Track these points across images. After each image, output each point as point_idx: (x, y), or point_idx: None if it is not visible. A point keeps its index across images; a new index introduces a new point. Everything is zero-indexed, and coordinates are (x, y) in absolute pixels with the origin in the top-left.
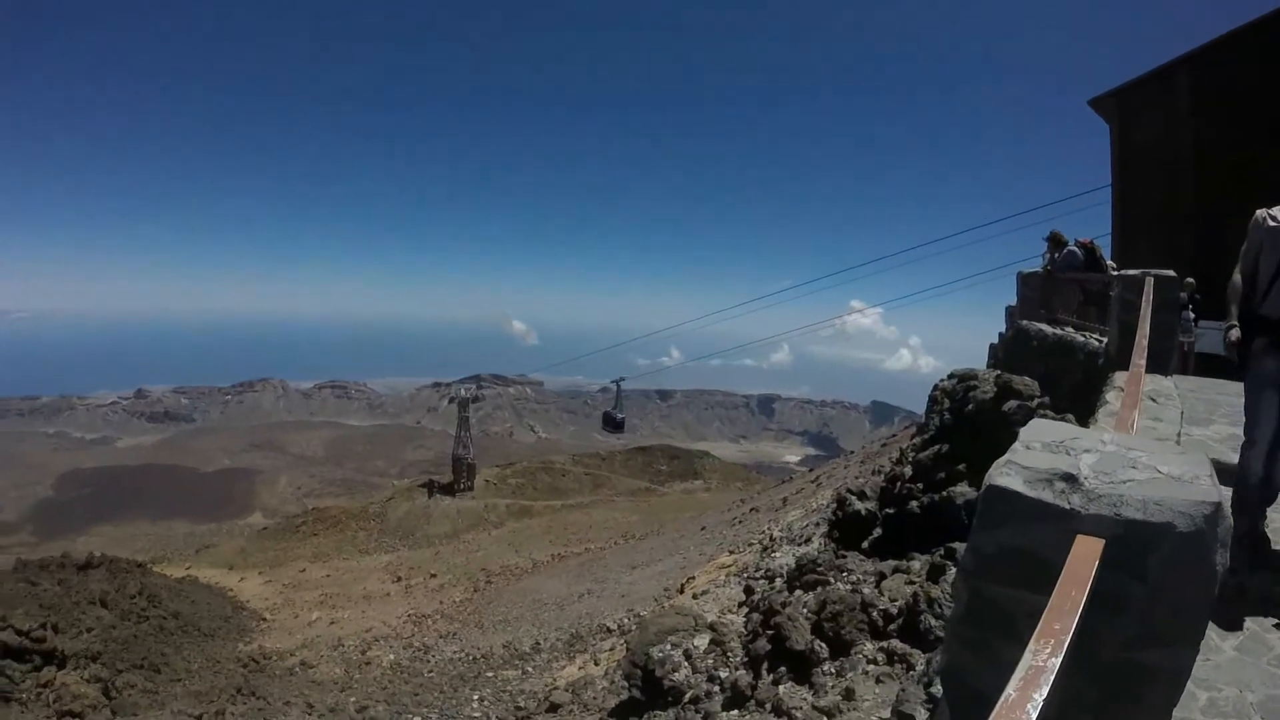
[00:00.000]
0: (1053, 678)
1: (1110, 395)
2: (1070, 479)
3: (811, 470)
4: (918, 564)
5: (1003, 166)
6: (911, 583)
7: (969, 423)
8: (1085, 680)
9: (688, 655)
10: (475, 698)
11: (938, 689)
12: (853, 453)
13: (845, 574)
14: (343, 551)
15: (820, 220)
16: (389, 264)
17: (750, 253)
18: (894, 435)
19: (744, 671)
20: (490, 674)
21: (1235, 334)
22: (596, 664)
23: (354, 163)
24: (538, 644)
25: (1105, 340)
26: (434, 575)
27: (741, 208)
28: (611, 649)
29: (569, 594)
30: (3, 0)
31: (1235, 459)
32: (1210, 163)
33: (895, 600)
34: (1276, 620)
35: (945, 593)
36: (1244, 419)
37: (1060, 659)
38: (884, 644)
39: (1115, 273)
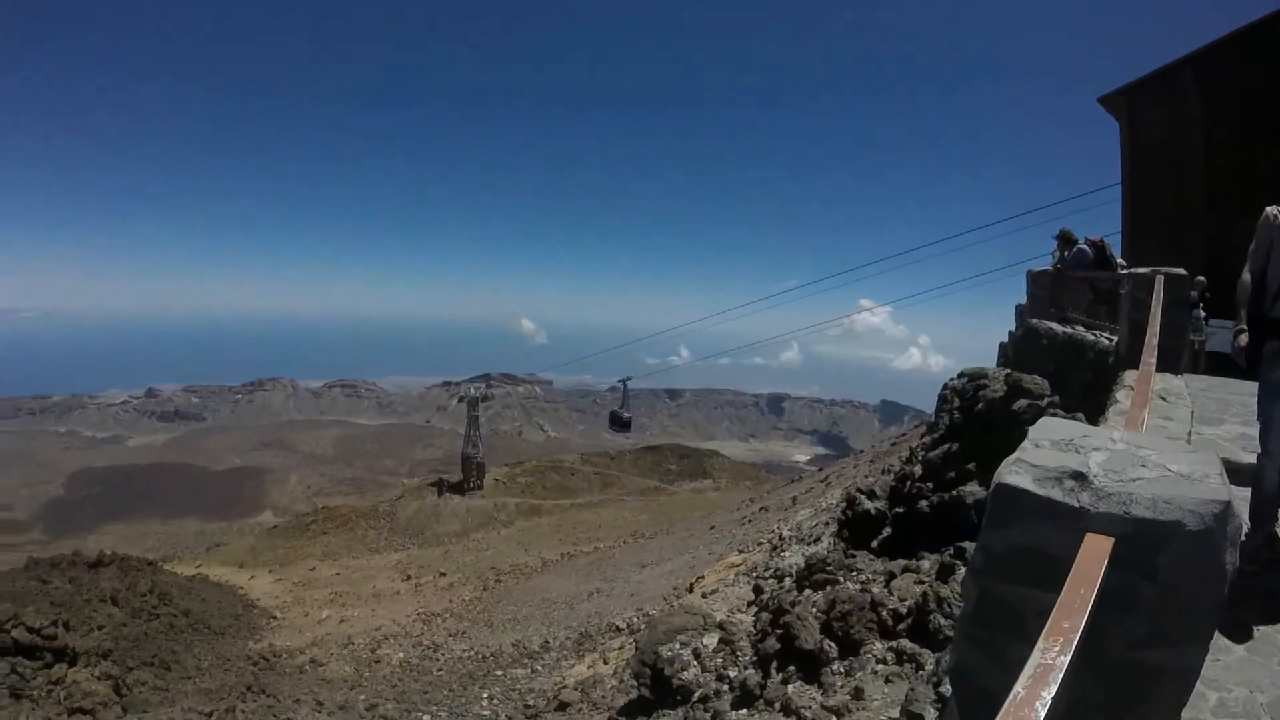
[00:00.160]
0: (1061, 676)
1: (1120, 394)
2: (1080, 477)
3: (821, 469)
4: (927, 563)
5: (1006, 166)
6: (921, 582)
7: (979, 421)
8: (1094, 679)
9: (697, 654)
10: (484, 696)
11: (947, 688)
12: (862, 452)
13: (854, 573)
14: (352, 550)
15: (821, 220)
16: (388, 263)
17: (751, 253)
18: (904, 434)
19: (753, 671)
20: (499, 672)
21: (1244, 339)
22: (605, 663)
23: (354, 162)
24: (547, 643)
25: (1115, 339)
26: (443, 574)
27: (742, 208)
28: (620, 648)
29: (578, 593)
30: (3, 1)
31: (1246, 458)
32: (1219, 161)
33: (905, 600)
34: None
35: (955, 592)
36: (1257, 425)
37: (1069, 657)
38: (893, 643)
39: (1125, 271)
